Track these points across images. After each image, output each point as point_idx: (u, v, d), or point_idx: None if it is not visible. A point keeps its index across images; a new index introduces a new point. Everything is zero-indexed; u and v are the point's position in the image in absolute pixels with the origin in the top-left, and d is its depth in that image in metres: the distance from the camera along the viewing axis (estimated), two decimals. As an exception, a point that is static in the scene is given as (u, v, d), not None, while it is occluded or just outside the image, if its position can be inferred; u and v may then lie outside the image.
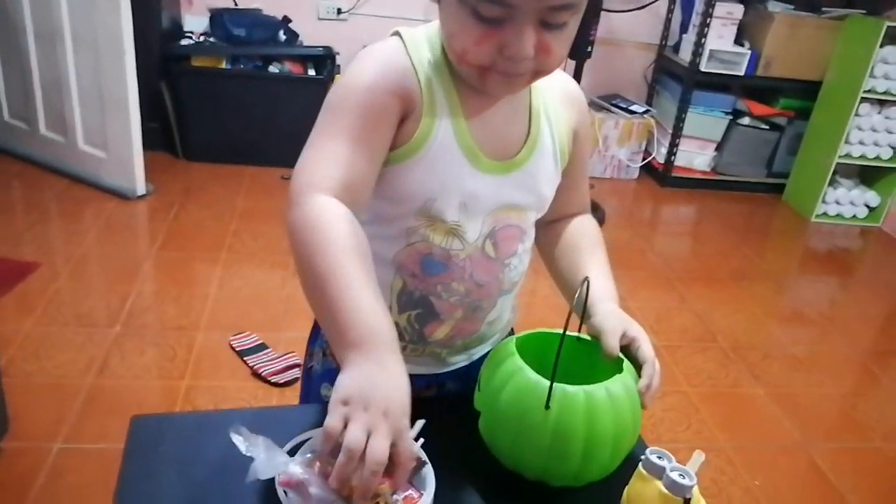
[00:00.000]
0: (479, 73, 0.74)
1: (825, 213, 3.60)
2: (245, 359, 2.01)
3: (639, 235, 3.24)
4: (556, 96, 0.87)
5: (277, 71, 3.20)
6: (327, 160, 0.73)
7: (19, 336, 1.99)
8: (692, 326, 2.50)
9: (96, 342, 2.01)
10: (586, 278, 0.83)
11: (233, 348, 2.05)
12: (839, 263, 3.29)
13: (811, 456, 1.94)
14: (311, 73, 3.26)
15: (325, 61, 3.30)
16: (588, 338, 0.85)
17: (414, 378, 0.93)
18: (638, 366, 0.82)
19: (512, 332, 1.02)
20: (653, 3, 3.43)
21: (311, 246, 0.67)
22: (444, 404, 0.94)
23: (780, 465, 1.91)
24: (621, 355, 0.82)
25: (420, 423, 0.73)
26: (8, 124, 3.09)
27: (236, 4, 3.38)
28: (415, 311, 0.87)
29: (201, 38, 3.25)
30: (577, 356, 0.85)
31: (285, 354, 2.02)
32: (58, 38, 2.76)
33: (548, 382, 0.73)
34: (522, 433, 0.75)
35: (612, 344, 0.81)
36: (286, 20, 3.33)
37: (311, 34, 3.38)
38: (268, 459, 0.66)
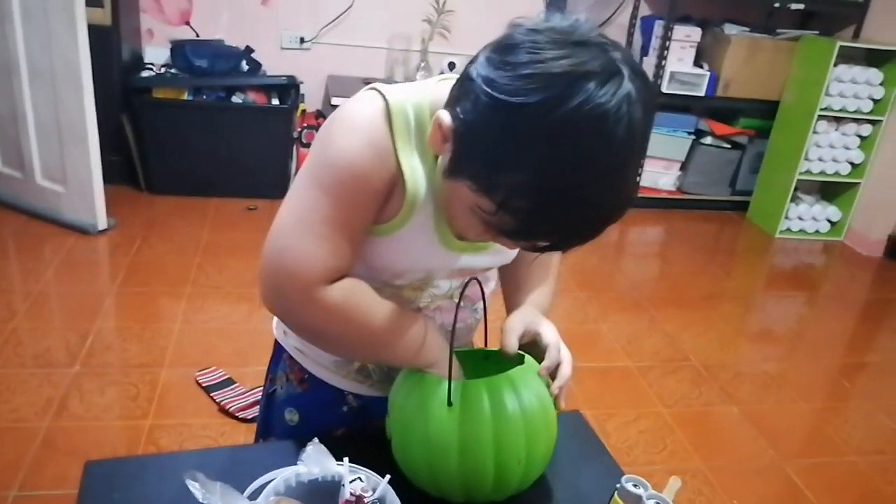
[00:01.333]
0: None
1: (788, 230, 3.66)
2: (212, 394, 1.95)
3: (606, 258, 3.25)
4: None
5: (241, 101, 3.18)
6: (325, 253, 0.74)
7: (-27, 379, 1.92)
8: (663, 347, 2.50)
9: (54, 382, 1.94)
10: (472, 278, 0.85)
11: (199, 384, 1.99)
12: (804, 279, 3.33)
13: (787, 473, 1.94)
14: (275, 102, 3.24)
15: (289, 90, 3.29)
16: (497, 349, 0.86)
17: (376, 402, 0.93)
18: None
19: None
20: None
21: (350, 331, 0.78)
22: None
23: (757, 483, 1.90)
24: (521, 353, 0.83)
25: (385, 479, 0.72)
26: (-38, 160, 3.01)
27: (198, 35, 3.36)
28: None
29: (162, 70, 3.21)
30: (495, 370, 0.84)
31: (252, 389, 1.97)
32: (14, 71, 2.71)
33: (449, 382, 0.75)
34: (432, 440, 0.74)
35: (508, 342, 0.84)
36: (248, 50, 3.31)
37: (275, 64, 3.37)
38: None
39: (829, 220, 3.69)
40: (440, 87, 0.76)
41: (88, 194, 2.76)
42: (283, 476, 0.71)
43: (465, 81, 0.67)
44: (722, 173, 3.82)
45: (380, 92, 0.76)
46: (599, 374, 2.30)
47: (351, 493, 0.70)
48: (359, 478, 0.72)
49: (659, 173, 3.77)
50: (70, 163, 2.75)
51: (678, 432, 2.04)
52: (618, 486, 0.72)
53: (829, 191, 3.74)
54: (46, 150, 2.80)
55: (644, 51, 3.76)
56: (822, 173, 3.56)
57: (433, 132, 0.70)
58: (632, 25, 3.77)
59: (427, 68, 3.54)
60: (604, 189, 0.62)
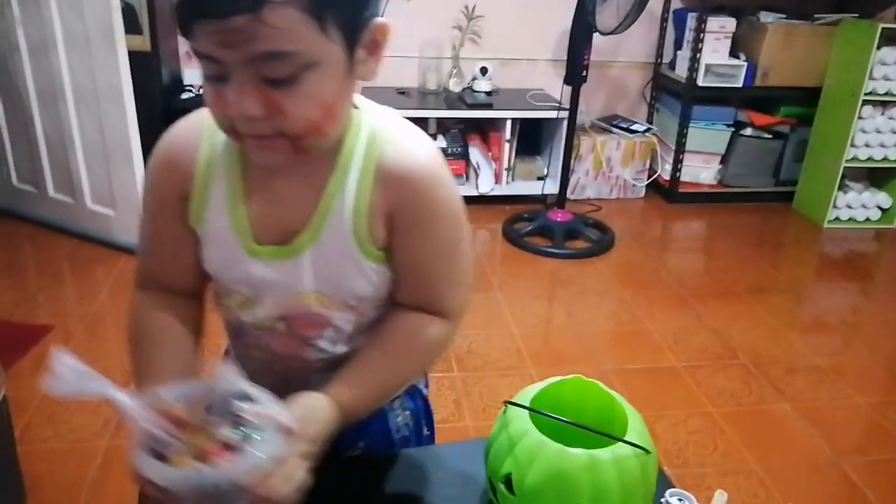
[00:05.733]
0: (236, 140, 0.70)
1: (837, 219, 3.56)
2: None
3: (650, 255, 3.21)
4: (372, 172, 0.75)
5: (278, 117, 3.23)
6: (140, 249, 0.85)
7: (35, 400, 1.99)
8: (711, 344, 2.46)
9: (111, 403, 1.99)
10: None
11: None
12: (857, 268, 3.24)
13: (845, 471, 1.89)
14: (312, 116, 3.29)
15: (325, 104, 3.33)
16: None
17: None
18: None
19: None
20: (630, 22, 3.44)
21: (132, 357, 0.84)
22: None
23: (814, 482, 1.86)
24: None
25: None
26: (17, 189, 3.13)
27: (234, 55, 3.43)
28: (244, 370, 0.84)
29: (201, 91, 3.28)
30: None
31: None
32: (60, 96, 2.80)
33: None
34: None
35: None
36: (284, 67, 3.36)
37: (309, 78, 3.42)
38: (76, 376, 0.61)
39: (879, 207, 3.58)
40: None
41: (135, 216, 2.83)
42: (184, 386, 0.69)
43: None
44: (764, 164, 3.74)
45: None
46: (646, 375, 2.27)
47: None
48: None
49: (699, 167, 3.71)
50: (118, 186, 2.83)
51: (729, 432, 2.01)
52: (662, 500, 0.71)
53: (878, 177, 3.62)
54: (95, 175, 2.89)
55: (677, 44, 3.71)
56: (870, 159, 3.46)
57: None
58: (664, 19, 3.73)
59: (459, 74, 3.55)
60: None
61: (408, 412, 0.98)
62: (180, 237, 0.80)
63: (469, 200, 3.75)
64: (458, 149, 3.53)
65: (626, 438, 0.72)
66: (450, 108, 3.43)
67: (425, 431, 1.02)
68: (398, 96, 3.48)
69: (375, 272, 0.78)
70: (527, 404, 0.76)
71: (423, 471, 0.87)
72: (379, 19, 0.69)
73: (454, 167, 3.49)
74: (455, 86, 3.56)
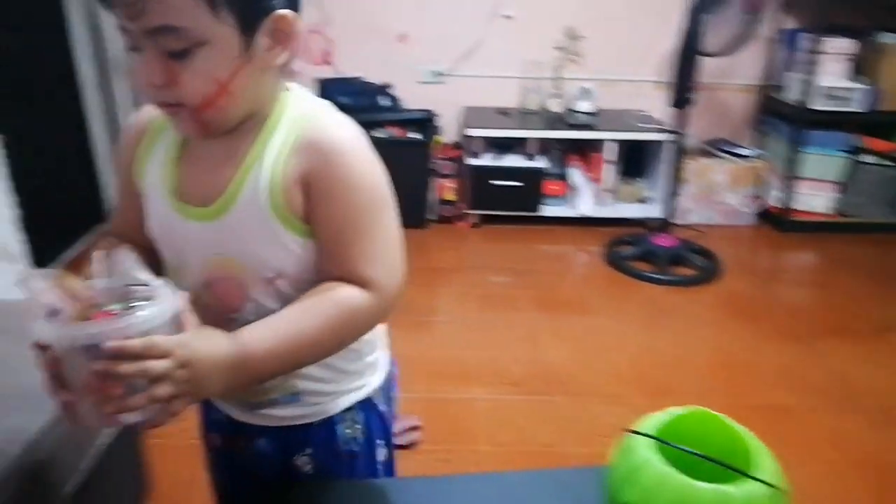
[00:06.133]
0: (156, 107, 0.77)
1: (969, 254, 3.30)
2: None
3: (759, 285, 3.05)
4: (290, 145, 0.79)
5: (382, 136, 3.28)
6: (113, 207, 0.95)
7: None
8: (830, 385, 2.30)
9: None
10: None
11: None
12: None
13: None
14: (414, 135, 3.32)
15: (426, 124, 3.35)
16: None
17: (225, 422, 0.96)
18: None
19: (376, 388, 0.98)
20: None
21: None
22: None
23: (954, 542, 1.70)
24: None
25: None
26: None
27: (338, 73, 3.51)
28: None
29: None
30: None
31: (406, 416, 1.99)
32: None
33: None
34: None
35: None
36: (386, 86, 3.42)
37: (412, 98, 3.46)
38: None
39: None
40: None
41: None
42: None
43: None
44: (887, 193, 3.49)
45: None
46: (757, 412, 2.14)
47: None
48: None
49: (812, 195, 3.51)
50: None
51: (853, 482, 1.86)
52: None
53: None
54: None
55: (787, 66, 3.54)
56: None
57: None
58: (773, 40, 3.57)
59: (560, 95, 3.51)
60: None
61: (359, 426, 0.96)
62: (135, 194, 0.87)
63: (568, 222, 3.69)
64: (558, 169, 3.48)
65: (757, 475, 0.69)
66: (550, 128, 3.40)
67: (382, 451, 1.00)
68: (498, 116, 3.47)
69: (299, 245, 0.81)
70: (651, 433, 0.74)
71: (535, 494, 0.87)
72: (281, 10, 0.73)
73: (554, 187, 3.45)
74: (556, 106, 3.52)
